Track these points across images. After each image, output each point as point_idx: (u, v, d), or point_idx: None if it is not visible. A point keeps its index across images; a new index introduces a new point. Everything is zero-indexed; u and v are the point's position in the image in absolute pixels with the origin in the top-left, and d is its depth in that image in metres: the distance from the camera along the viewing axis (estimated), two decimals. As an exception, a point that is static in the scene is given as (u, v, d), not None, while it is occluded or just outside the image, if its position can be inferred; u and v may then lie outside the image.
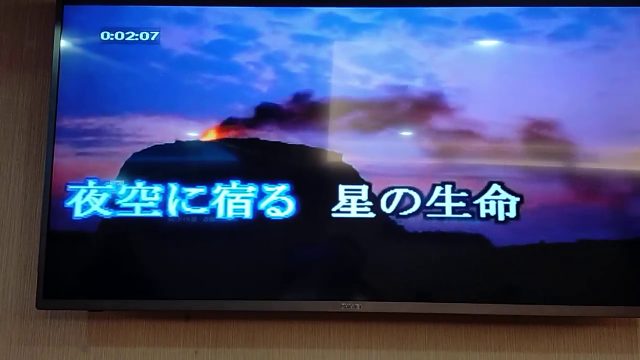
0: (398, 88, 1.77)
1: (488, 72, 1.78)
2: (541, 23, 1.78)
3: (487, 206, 1.71)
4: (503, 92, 1.77)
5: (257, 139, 1.76)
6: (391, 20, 1.79)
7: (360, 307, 1.69)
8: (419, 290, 1.71)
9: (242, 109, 1.77)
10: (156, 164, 1.77)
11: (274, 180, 1.74)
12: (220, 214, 1.73)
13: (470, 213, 1.71)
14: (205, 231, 1.73)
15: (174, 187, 1.74)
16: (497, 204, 1.71)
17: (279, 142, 1.76)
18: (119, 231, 1.75)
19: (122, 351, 1.81)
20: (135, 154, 1.76)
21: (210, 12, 1.81)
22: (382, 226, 1.72)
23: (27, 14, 1.94)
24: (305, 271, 1.75)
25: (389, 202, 1.72)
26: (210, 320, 1.81)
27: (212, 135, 1.77)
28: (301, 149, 1.76)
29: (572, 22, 1.77)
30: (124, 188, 1.75)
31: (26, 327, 1.82)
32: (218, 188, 1.74)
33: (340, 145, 1.75)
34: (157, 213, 1.74)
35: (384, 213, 1.72)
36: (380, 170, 1.74)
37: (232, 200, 1.73)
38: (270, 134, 1.76)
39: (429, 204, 1.72)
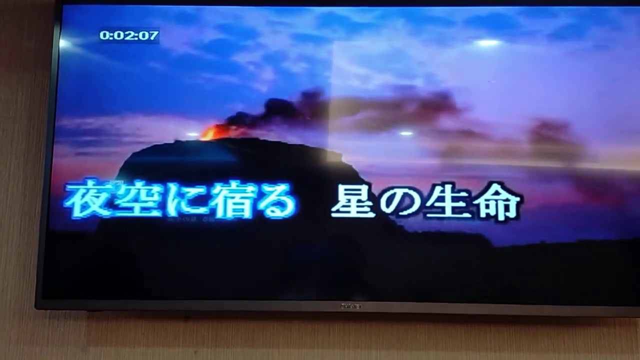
0: (398, 88, 1.77)
1: (488, 71, 1.77)
2: (541, 23, 1.78)
3: (487, 206, 1.71)
4: (503, 92, 1.76)
5: (256, 139, 1.76)
6: (391, 20, 1.79)
7: (360, 307, 1.69)
8: (418, 290, 1.71)
9: (241, 109, 1.77)
10: (155, 164, 1.76)
11: (274, 180, 1.73)
12: (219, 214, 1.73)
13: (470, 213, 1.71)
14: (204, 231, 1.73)
15: (173, 187, 1.74)
16: (497, 203, 1.71)
17: (278, 142, 1.76)
18: (118, 231, 1.75)
19: (121, 351, 1.81)
20: (135, 154, 1.76)
21: (210, 12, 1.81)
22: (381, 226, 1.72)
23: (26, 13, 1.94)
24: (305, 271, 1.74)
25: (388, 202, 1.72)
26: (209, 320, 1.81)
27: (211, 135, 1.77)
28: (301, 149, 1.75)
29: (572, 22, 1.77)
30: (123, 188, 1.75)
31: (25, 327, 1.82)
32: (217, 188, 1.74)
33: (340, 145, 1.75)
34: (156, 213, 1.73)
35: (384, 213, 1.72)
36: (380, 170, 1.73)
37: (232, 200, 1.73)
38: (270, 134, 1.76)
39: (428, 204, 1.72)
